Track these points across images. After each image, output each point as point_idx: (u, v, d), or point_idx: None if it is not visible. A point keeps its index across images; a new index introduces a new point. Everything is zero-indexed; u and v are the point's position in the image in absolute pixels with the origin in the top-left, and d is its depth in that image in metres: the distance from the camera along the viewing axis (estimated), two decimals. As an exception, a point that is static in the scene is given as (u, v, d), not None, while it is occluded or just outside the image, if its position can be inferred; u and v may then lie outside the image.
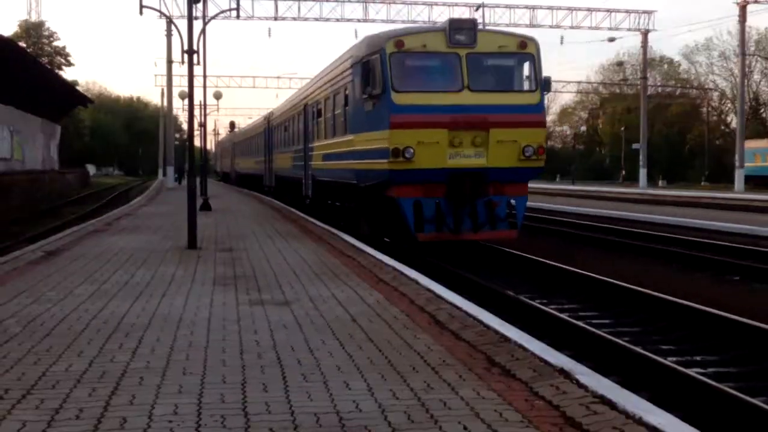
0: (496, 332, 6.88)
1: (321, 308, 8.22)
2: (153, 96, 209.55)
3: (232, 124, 65.23)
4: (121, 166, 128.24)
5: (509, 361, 5.92)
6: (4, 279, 10.31)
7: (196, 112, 31.00)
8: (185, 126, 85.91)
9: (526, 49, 16.07)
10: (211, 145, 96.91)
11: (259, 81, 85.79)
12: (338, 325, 7.34)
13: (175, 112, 63.53)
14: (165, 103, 60.95)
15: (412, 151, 14.99)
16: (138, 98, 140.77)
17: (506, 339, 6.61)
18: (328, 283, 9.91)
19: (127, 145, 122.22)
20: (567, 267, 13.61)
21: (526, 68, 16.23)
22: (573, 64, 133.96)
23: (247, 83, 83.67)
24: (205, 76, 29.59)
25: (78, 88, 65.14)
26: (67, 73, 74.61)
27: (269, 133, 35.03)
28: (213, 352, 6.28)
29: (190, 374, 5.60)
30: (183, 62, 16.11)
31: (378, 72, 15.52)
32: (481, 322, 7.34)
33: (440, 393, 5.19)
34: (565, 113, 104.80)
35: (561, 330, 9.22)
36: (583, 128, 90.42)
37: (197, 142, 47.70)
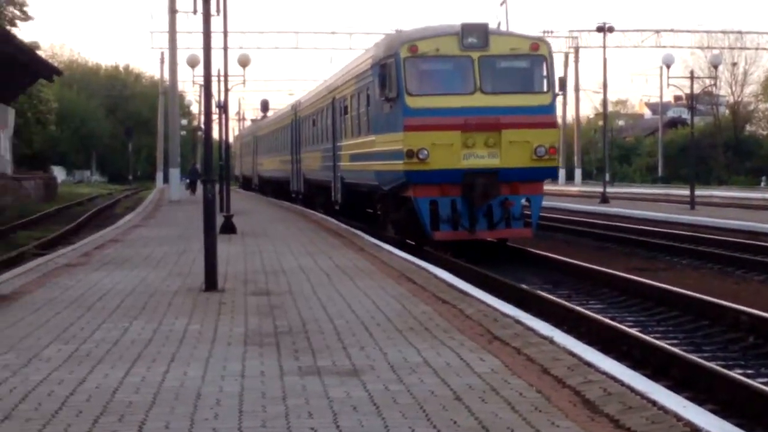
0: (678, 417, 6.82)
1: (407, 381, 8.26)
2: (148, 64, 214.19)
3: (265, 105, 65.72)
4: (102, 168, 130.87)
5: (700, 463, 5.87)
6: (-60, 335, 10.62)
7: (214, 86, 31.53)
8: (195, 108, 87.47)
9: (538, 51, 23.22)
10: (232, 135, 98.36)
11: (305, 39, 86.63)
12: (435, 407, 7.36)
13: (180, 87, 63.99)
14: (166, 74, 61.97)
15: (426, 152, 22.23)
16: (126, 67, 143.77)
17: (694, 429, 6.54)
18: (417, 343, 9.96)
19: (111, 136, 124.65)
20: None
21: (538, 70, 23.22)
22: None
23: (286, 43, 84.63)
24: (225, 33, 30.04)
25: (40, 53, 66.91)
26: (23, 32, 76.81)
27: (297, 126, 42.85)
28: (249, 445, 6.37)
29: (217, 478, 5.68)
30: (195, 11, 16.49)
31: (393, 76, 22.79)
32: (653, 402, 7.28)
33: None
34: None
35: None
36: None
37: (215, 133, 48.47)
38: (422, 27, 25.05)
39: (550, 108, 23.35)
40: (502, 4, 69.62)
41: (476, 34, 22.70)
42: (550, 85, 23.21)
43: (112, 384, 8.21)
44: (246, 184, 74.09)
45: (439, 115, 22.48)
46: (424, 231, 22.84)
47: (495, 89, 22.80)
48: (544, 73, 23.18)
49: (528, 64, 23.28)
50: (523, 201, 23.29)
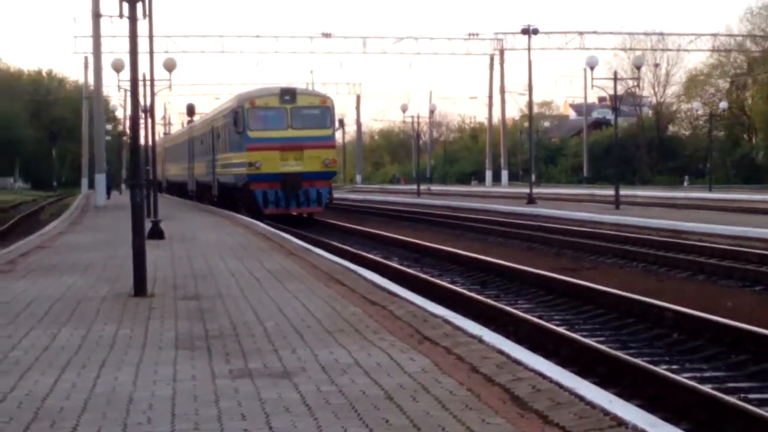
0: (605, 412, 6.96)
1: (339, 381, 8.33)
2: (72, 69, 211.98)
3: (191, 109, 65.93)
4: (25, 174, 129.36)
5: (627, 456, 5.99)
6: None
7: (140, 90, 31.30)
8: (120, 113, 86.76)
9: (326, 104, 40.26)
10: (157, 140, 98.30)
11: (230, 43, 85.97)
12: (366, 406, 7.44)
13: (104, 92, 63.23)
14: (91, 79, 61.41)
15: (260, 163, 38.16)
16: (49, 72, 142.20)
17: (621, 423, 6.68)
18: (348, 344, 10.03)
19: (35, 142, 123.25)
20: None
21: (325, 115, 40.02)
22: (705, 8, 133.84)
23: (212, 47, 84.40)
24: (151, 37, 29.93)
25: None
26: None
27: (192, 143, 57.67)
28: (182, 448, 6.39)
29: (151, 481, 5.71)
30: (121, 15, 16.39)
31: (240, 119, 39.51)
32: (581, 398, 7.41)
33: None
34: (694, 83, 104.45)
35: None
36: (724, 105, 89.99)
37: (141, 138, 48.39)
38: (259, 88, 42.83)
39: (332, 137, 40.72)
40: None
41: (289, 95, 39.32)
42: (332, 123, 40.77)
43: (43, 390, 8.19)
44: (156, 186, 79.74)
45: (267, 142, 38.33)
46: (259, 209, 37.93)
47: (299, 126, 38.80)
48: (329, 116, 40.09)
49: (319, 111, 39.78)
50: (319, 190, 38.71)
